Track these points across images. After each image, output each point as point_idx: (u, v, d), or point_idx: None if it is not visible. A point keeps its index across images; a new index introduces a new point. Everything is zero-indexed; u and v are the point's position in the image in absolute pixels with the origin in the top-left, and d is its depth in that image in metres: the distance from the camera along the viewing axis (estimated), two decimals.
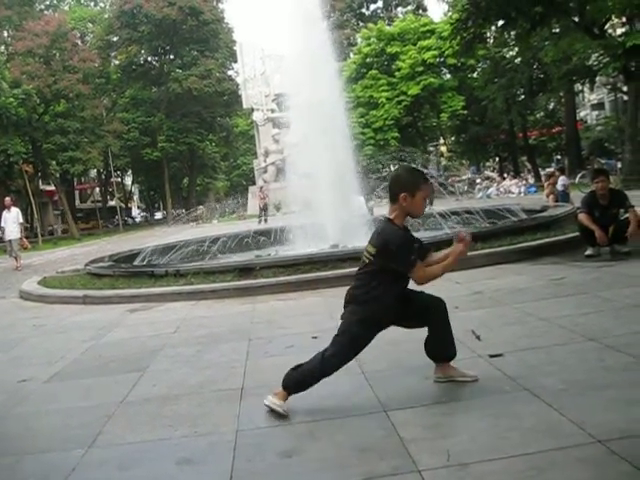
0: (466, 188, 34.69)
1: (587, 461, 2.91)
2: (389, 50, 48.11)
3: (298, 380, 3.97)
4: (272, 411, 3.94)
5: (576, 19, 26.51)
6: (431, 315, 4.13)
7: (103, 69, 55.84)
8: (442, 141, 64.06)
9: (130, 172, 74.27)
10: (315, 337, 5.86)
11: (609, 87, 47.27)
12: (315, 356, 4.02)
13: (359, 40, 54.58)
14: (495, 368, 4.34)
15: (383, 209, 24.33)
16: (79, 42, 54.42)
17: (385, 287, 3.95)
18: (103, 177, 66.35)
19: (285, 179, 28.34)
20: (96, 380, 5.41)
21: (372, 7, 67.94)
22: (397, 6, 66.03)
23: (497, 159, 61.68)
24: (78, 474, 3.47)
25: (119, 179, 71.99)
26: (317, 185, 14.00)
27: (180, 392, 4.75)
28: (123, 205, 74.10)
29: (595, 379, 3.90)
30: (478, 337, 5.07)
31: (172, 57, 61.40)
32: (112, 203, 72.48)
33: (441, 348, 4.14)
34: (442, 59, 46.44)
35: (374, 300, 3.95)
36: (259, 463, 3.33)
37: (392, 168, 47.35)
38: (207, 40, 58.75)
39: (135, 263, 13.69)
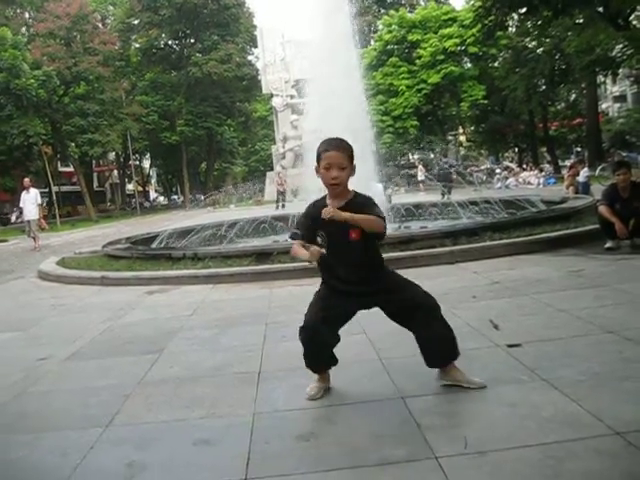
0: (485, 178, 34.48)
1: (605, 452, 2.90)
2: (410, 38, 47.85)
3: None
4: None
5: (600, 9, 26.22)
6: (421, 315, 3.93)
7: (123, 52, 55.99)
8: (461, 130, 63.80)
9: (148, 155, 74.51)
10: None
11: (632, 79, 46.83)
12: None
13: (380, 27, 54.25)
14: (513, 358, 4.33)
15: (401, 197, 24.30)
16: (100, 25, 54.64)
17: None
18: (121, 160, 66.60)
19: (303, 165, 28.34)
20: (114, 360, 5.44)
21: None
22: None
23: (516, 149, 61.42)
24: (96, 452, 3.50)
25: (137, 162, 72.23)
26: None
27: (197, 374, 4.77)
28: (141, 188, 74.40)
29: (613, 371, 3.88)
30: (496, 327, 5.06)
31: (192, 41, 61.34)
32: (130, 186, 72.89)
33: (442, 349, 3.90)
34: (463, 48, 46.12)
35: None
36: (276, 445, 3.34)
37: (411, 156, 47.30)
38: (227, 24, 58.64)
39: (152, 246, 13.76)
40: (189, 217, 29.05)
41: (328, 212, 3.63)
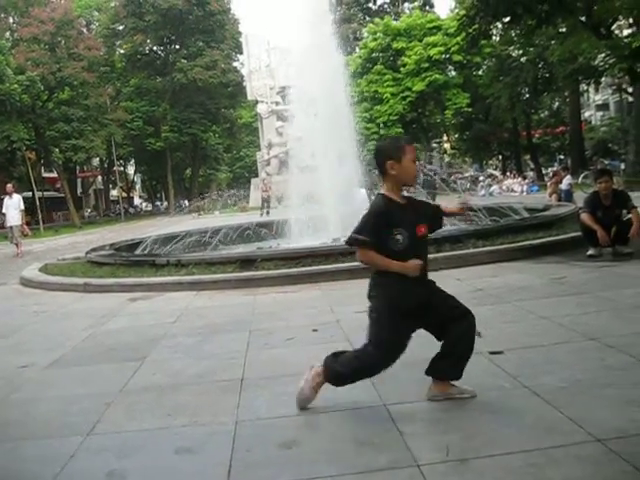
0: (469, 185, 34.62)
1: (586, 459, 2.91)
2: (395, 45, 48.01)
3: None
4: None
5: (583, 19, 26.49)
6: (464, 326, 3.82)
7: (108, 58, 55.84)
8: (446, 138, 64.04)
9: (133, 161, 74.25)
10: (315, 330, 5.89)
11: (614, 88, 47.24)
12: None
13: (365, 34, 54.44)
14: (495, 365, 4.35)
15: None
16: (85, 30, 54.40)
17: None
18: (106, 166, 66.31)
19: (288, 172, 28.34)
20: (96, 368, 5.41)
21: (379, 2, 67.79)
22: (404, 1, 65.78)
23: (500, 157, 61.75)
24: (76, 461, 3.48)
25: (122, 168, 71.94)
26: (320, 178, 14.02)
27: (180, 382, 4.75)
28: (125, 194, 74.08)
29: (595, 378, 3.91)
30: (479, 334, 5.04)
31: (178, 47, 61.29)
32: (114, 192, 72.56)
33: (452, 366, 3.81)
34: (448, 56, 46.33)
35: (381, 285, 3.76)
36: (258, 454, 3.34)
37: None
38: (213, 31, 58.66)
39: (136, 252, 13.71)
40: (173, 223, 28.94)
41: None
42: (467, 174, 46.68)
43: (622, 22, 32.55)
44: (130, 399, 4.47)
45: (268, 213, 30.57)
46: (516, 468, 2.88)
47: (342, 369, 3.76)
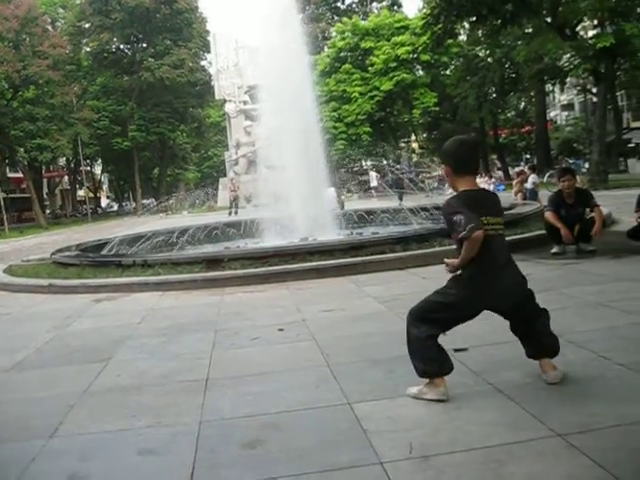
0: (436, 185, 34.86)
1: (546, 454, 2.95)
2: (363, 45, 48.17)
3: None
4: None
5: (548, 20, 26.79)
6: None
7: (74, 56, 55.08)
8: (414, 137, 64.37)
9: (100, 161, 73.50)
10: (281, 329, 5.89)
11: (579, 88, 47.89)
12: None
13: (333, 34, 54.52)
14: (459, 362, 4.37)
15: (354, 203, 24.39)
16: (50, 27, 53.62)
17: None
18: (72, 166, 65.58)
19: (256, 171, 28.27)
20: (59, 370, 5.35)
21: (347, 1, 68.00)
22: (372, 1, 66.04)
23: None
24: (38, 464, 3.43)
25: (88, 168, 71.19)
26: (288, 178, 14.01)
27: (144, 382, 4.72)
28: (92, 194, 73.33)
29: None
30: (444, 332, 5.10)
31: (145, 46, 60.76)
32: (81, 192, 71.77)
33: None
34: (415, 55, 46.58)
35: None
36: (222, 454, 3.32)
37: (364, 163, 47.61)
38: (180, 29, 58.27)
39: (103, 253, 13.58)
40: (141, 224, 28.78)
41: None
42: (435, 173, 46.92)
43: (587, 23, 32.96)
44: (93, 401, 4.42)
45: (236, 213, 30.46)
46: (478, 464, 2.90)
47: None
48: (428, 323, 3.76)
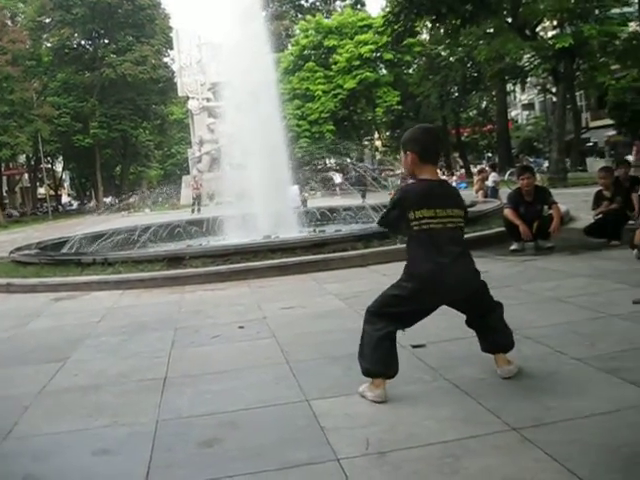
0: (399, 182, 34.96)
1: (501, 448, 2.98)
2: (327, 43, 48.23)
3: None
4: None
5: (509, 20, 27.07)
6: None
7: (34, 51, 54.18)
8: (377, 135, 64.63)
9: (61, 158, 72.45)
10: (242, 327, 5.88)
11: (539, 88, 48.53)
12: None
13: (297, 32, 54.49)
14: (417, 358, 4.42)
15: (317, 201, 24.40)
16: (9, 22, 52.68)
17: None
18: (32, 163, 64.55)
19: (219, 169, 28.13)
20: (15, 370, 5.27)
21: None
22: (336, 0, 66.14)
23: None
24: None
25: (49, 165, 70.13)
26: (251, 175, 13.99)
27: (102, 382, 4.67)
28: (53, 192, 72.26)
29: None
30: (403, 328, 5.13)
31: (106, 42, 60.04)
32: (42, 190, 70.67)
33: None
34: (378, 54, 46.79)
35: None
36: (178, 453, 3.30)
37: (327, 161, 47.69)
38: (143, 25, 57.70)
39: (63, 251, 13.40)
40: (103, 222, 28.37)
41: None
42: (398, 171, 47.16)
43: (547, 24, 33.39)
44: (50, 401, 4.36)
45: (199, 210, 30.29)
46: (434, 459, 2.92)
47: None
48: (386, 319, 3.74)
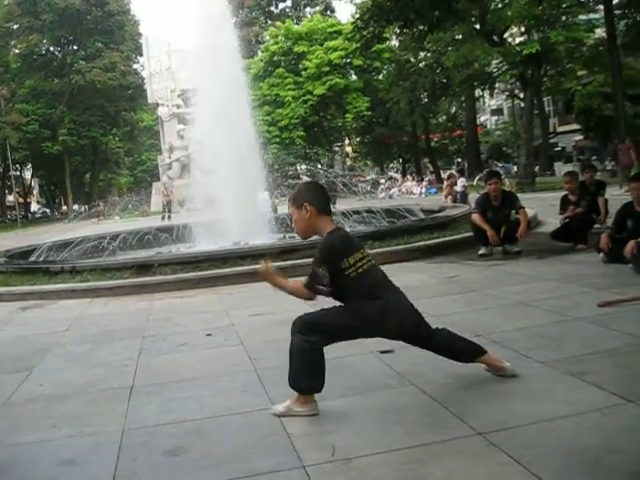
0: (369, 188, 35.17)
1: (466, 452, 3.00)
2: (296, 49, 48.30)
3: None
4: None
5: (477, 26, 27.37)
6: None
7: (2, 57, 53.62)
8: (347, 141, 64.78)
9: (30, 166, 71.64)
10: (209, 334, 5.86)
11: (507, 94, 49.05)
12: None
13: (267, 38, 54.49)
14: (385, 364, 4.43)
15: (287, 207, 24.43)
16: None
17: None
18: (1, 170, 63.71)
19: (190, 176, 28.03)
20: None
21: (281, 6, 67.95)
22: (306, 6, 66.19)
23: (400, 160, 62.94)
24: None
25: (18, 173, 69.30)
26: (221, 182, 13.93)
27: (68, 391, 4.62)
28: (22, 200, 71.42)
29: (479, 373, 4.00)
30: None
31: (75, 48, 59.49)
32: (10, 198, 69.79)
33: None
34: (348, 60, 46.96)
35: None
36: (144, 462, 3.27)
37: (298, 167, 47.69)
38: (112, 32, 57.28)
39: (31, 259, 13.24)
40: (72, 229, 28.05)
41: None
42: (368, 177, 47.36)
43: (514, 30, 33.80)
44: (14, 411, 4.31)
45: (169, 217, 30.10)
46: (398, 465, 2.93)
47: None
48: (321, 335, 3.65)
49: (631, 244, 6.81)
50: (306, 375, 3.63)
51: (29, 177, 78.02)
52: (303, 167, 47.14)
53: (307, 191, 3.86)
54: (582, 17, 31.17)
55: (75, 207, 59.45)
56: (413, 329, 3.82)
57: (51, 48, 60.70)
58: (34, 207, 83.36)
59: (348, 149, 67.41)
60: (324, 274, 3.62)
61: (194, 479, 3.02)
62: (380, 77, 51.07)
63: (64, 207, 70.54)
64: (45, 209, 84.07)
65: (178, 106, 44.82)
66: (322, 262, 3.65)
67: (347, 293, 3.69)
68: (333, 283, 3.63)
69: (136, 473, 3.16)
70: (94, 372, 5.05)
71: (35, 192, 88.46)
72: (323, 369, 3.65)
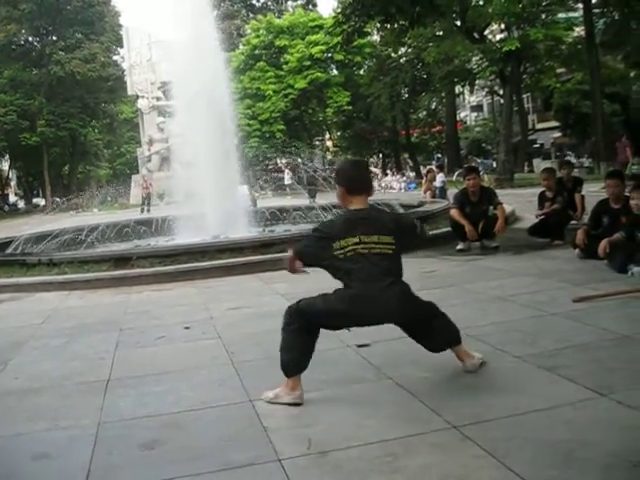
0: None
1: (441, 446, 3.02)
2: (278, 43, 48.12)
3: None
4: None
5: (458, 23, 27.45)
6: None
7: None
8: (328, 136, 64.76)
9: (7, 157, 70.93)
10: (187, 327, 5.85)
11: (487, 90, 49.26)
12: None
13: (248, 31, 54.26)
14: (361, 357, 4.45)
15: (267, 200, 24.35)
16: None
17: None
18: None
19: (169, 168, 27.90)
20: None
21: None
22: (287, 0, 66.08)
23: (381, 155, 63.01)
24: None
25: None
26: (201, 175, 13.89)
27: (43, 385, 4.59)
28: None
29: (455, 367, 4.03)
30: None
31: (55, 38, 58.77)
32: None
33: None
34: (329, 54, 46.88)
35: None
36: (119, 456, 3.27)
37: (278, 161, 47.64)
38: (92, 23, 56.69)
39: (7, 252, 13.12)
40: (50, 221, 27.85)
41: None
42: None
43: (494, 27, 33.95)
44: None
45: (149, 210, 29.94)
46: (374, 458, 2.95)
47: None
48: (306, 318, 3.77)
49: (604, 243, 6.90)
50: (287, 351, 3.75)
51: (6, 168, 77.27)
52: (283, 161, 47.10)
53: (339, 172, 4.06)
54: (561, 15, 31.43)
55: (55, 199, 58.91)
56: (399, 318, 3.85)
57: (30, 38, 59.98)
58: (12, 199, 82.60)
59: (329, 143, 67.38)
60: (320, 245, 3.78)
61: (170, 472, 3.01)
62: (361, 72, 51.02)
63: (38, 199, 69.91)
64: (23, 200, 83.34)
65: (158, 98, 44.55)
66: (315, 230, 3.95)
67: (332, 273, 3.80)
68: (323, 259, 3.76)
69: (112, 467, 3.15)
70: (70, 365, 5.02)
71: (12, 184, 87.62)
72: (306, 350, 3.73)
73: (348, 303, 3.68)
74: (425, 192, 19.93)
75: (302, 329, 3.73)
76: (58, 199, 57.27)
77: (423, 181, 22.63)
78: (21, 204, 76.83)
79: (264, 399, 3.77)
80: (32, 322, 6.92)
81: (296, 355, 3.73)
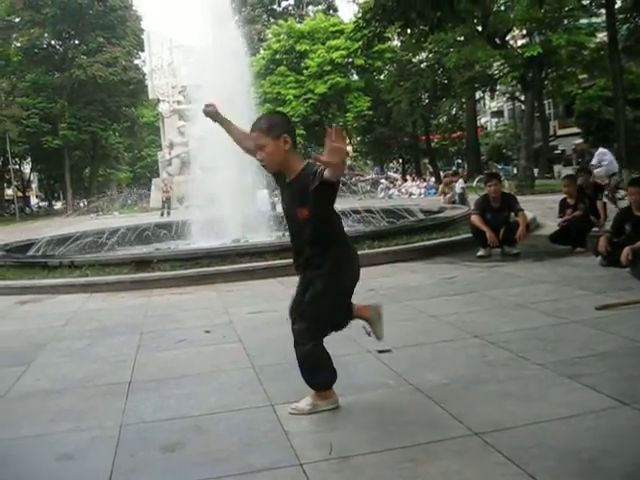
0: (369, 188, 35.14)
1: (462, 453, 3.01)
2: (298, 48, 48.20)
3: None
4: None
5: (479, 28, 27.36)
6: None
7: (3, 51, 53.57)
8: (348, 140, 64.75)
9: (29, 160, 71.57)
10: (208, 331, 5.86)
11: (508, 96, 49.04)
12: None
13: (269, 36, 54.40)
14: (382, 363, 4.44)
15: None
16: None
17: None
18: (0, 164, 63.68)
19: (189, 172, 27.99)
20: None
21: (283, 4, 67.83)
22: (308, 4, 66.13)
23: (400, 160, 62.89)
24: None
25: (17, 166, 69.23)
26: (221, 179, 13.94)
27: (65, 386, 4.62)
28: (21, 194, 71.35)
29: (476, 374, 4.04)
30: (369, 333, 5.15)
31: (77, 42, 59.33)
32: (9, 192, 69.74)
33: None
34: (350, 59, 46.86)
35: None
36: (141, 458, 3.28)
37: None
38: (114, 27, 57.18)
39: (29, 254, 13.23)
40: (71, 224, 28.07)
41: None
42: (368, 177, 47.29)
43: (516, 32, 33.80)
44: (11, 406, 4.31)
45: (169, 214, 30.11)
46: (395, 464, 2.95)
47: None
48: (322, 330, 3.68)
49: (626, 251, 6.85)
50: (325, 370, 3.67)
51: (28, 171, 77.96)
52: None
53: (286, 122, 3.65)
54: (584, 21, 31.18)
55: (76, 202, 59.35)
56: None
57: (52, 42, 60.55)
58: (33, 201, 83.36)
59: (349, 148, 67.43)
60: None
61: (192, 475, 3.03)
62: (381, 77, 51.00)
63: (62, 202, 70.42)
64: (44, 203, 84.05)
65: (179, 102, 44.75)
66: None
67: (332, 225, 3.69)
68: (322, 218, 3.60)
69: (133, 468, 3.17)
70: (92, 367, 5.06)
71: (34, 186, 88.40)
72: (331, 361, 3.67)
73: (354, 260, 3.75)
74: (441, 195, 20.06)
75: (318, 345, 3.64)
76: (79, 202, 57.87)
77: (440, 187, 22.64)
78: (43, 206, 77.54)
79: (295, 412, 3.67)
80: (54, 324, 6.96)
81: (326, 372, 3.67)
